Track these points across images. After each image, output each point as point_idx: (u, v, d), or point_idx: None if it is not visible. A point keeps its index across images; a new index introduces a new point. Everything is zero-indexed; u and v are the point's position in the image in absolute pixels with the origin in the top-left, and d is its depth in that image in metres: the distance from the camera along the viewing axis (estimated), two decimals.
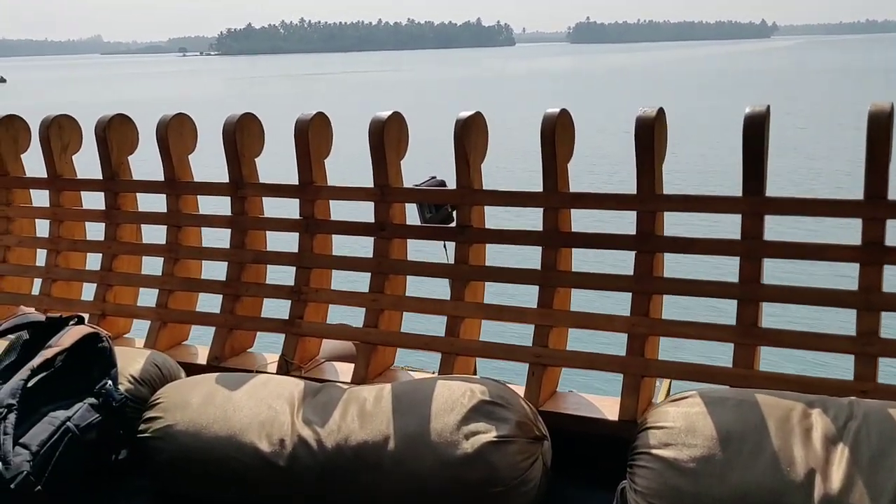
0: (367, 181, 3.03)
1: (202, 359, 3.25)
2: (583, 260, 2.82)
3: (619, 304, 2.77)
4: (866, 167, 2.32)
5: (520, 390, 2.63)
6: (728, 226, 2.62)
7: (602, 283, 2.75)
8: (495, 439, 2.26)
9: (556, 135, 2.69)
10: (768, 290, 2.48)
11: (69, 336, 2.73)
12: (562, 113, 2.71)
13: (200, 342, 3.52)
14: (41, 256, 3.72)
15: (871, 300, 2.32)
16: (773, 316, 2.58)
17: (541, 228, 2.80)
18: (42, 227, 3.75)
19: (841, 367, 2.52)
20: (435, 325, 3.00)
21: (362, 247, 3.17)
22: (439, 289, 3.00)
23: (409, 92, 60.79)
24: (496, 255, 3.02)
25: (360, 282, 3.16)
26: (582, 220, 2.85)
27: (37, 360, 2.61)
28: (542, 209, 2.80)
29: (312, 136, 3.09)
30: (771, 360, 2.57)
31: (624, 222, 2.81)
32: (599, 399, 2.69)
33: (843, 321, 2.51)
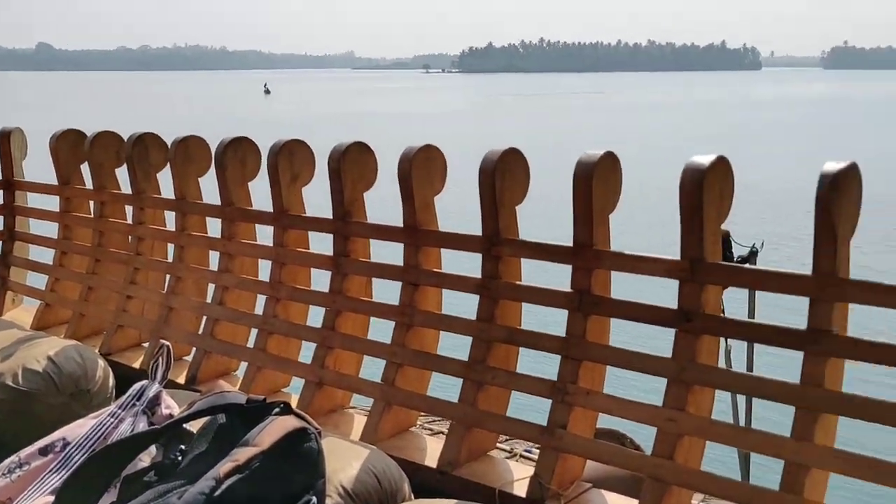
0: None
1: (431, 459, 2.55)
2: None
3: None
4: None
5: None
6: None
7: None
8: None
9: None
10: None
11: (270, 431, 2.11)
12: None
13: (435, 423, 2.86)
14: (261, 302, 3.22)
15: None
16: None
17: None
18: (264, 269, 3.26)
19: None
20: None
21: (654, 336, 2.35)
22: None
23: (642, 118, 58.78)
24: None
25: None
26: None
27: (227, 465, 2.00)
28: None
29: (597, 183, 2.31)
30: None
31: None
32: None
33: None
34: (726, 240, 3.69)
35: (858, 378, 2.23)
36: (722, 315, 2.25)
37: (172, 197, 3.52)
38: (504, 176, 2.50)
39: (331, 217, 2.94)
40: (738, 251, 4.28)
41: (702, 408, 2.16)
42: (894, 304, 1.93)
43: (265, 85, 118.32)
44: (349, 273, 2.90)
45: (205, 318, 3.35)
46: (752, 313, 3.69)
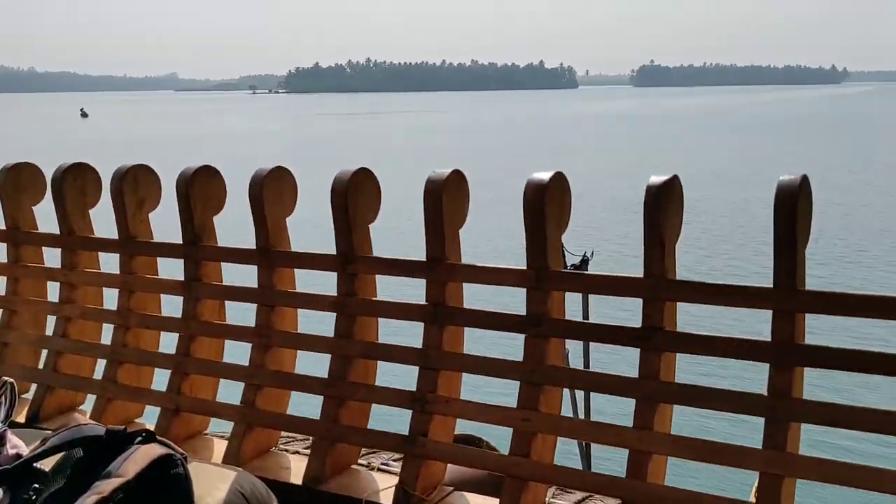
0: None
1: (297, 477, 2.58)
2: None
3: None
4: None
5: None
6: None
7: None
8: None
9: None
10: None
11: (134, 460, 2.06)
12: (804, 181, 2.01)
13: (291, 444, 2.88)
14: (107, 332, 3.13)
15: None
16: None
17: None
18: (110, 298, 3.17)
19: None
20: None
21: (505, 343, 2.49)
22: None
23: (473, 137, 60.35)
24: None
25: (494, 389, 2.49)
26: None
27: (91, 499, 1.94)
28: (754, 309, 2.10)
29: (447, 200, 2.43)
30: None
31: None
32: None
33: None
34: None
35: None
36: (569, 321, 2.41)
37: (2, 227, 3.36)
38: (356, 195, 2.58)
39: (180, 242, 2.91)
40: (571, 259, 4.55)
41: (552, 406, 2.32)
42: (717, 301, 2.16)
43: (82, 109, 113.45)
44: (202, 297, 2.88)
45: (45, 351, 3.22)
46: (586, 315, 3.94)
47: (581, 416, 4.31)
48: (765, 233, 2.08)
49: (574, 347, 4.26)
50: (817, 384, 2.35)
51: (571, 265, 4.22)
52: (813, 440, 2.24)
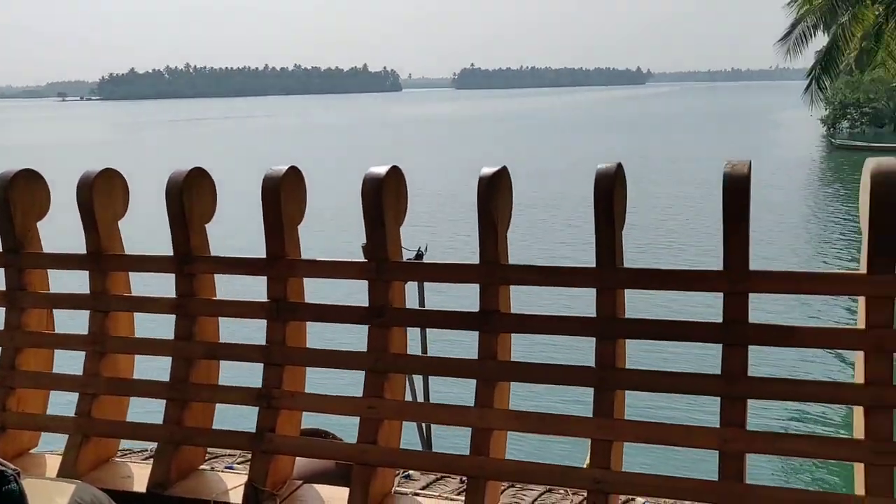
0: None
1: (140, 485, 2.52)
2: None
3: None
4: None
5: None
6: None
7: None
8: None
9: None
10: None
11: None
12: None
13: (129, 456, 2.81)
14: None
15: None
16: None
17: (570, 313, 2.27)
18: None
19: None
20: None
21: (348, 336, 2.54)
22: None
23: (303, 140, 59.80)
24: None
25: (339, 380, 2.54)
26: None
27: None
28: (579, 289, 2.26)
29: (285, 196, 2.45)
30: None
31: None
32: None
33: None
34: None
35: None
36: (410, 309, 2.49)
37: None
38: (191, 195, 2.55)
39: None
40: (406, 255, 4.64)
41: (396, 392, 2.39)
42: (546, 282, 2.30)
43: None
44: (27, 307, 2.75)
45: None
46: (422, 303, 4.04)
47: (419, 398, 4.42)
48: (585, 223, 2.25)
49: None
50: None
51: (407, 260, 4.32)
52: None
